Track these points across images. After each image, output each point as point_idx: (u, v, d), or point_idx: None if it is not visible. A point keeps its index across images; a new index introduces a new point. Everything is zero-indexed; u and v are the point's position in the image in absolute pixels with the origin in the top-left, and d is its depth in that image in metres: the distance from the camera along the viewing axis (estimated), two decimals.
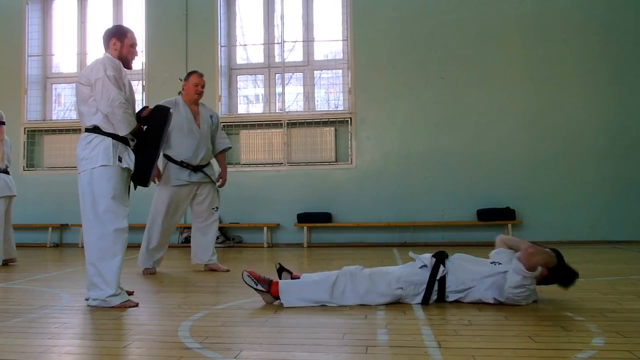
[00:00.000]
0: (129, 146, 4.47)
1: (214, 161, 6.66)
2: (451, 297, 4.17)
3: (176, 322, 3.67)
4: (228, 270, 6.33)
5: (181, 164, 6.27)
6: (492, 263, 4.24)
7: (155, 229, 6.32)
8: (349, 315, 3.87)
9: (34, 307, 4.35)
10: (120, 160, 4.35)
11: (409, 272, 4.21)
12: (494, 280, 4.08)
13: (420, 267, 4.22)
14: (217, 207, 6.53)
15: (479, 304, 4.10)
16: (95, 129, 4.35)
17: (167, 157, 6.34)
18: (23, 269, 6.92)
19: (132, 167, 4.46)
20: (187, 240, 8.97)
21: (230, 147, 6.77)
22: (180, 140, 6.28)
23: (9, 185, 7.43)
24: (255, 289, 4.23)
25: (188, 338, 3.23)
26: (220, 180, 6.62)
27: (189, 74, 6.48)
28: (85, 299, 4.32)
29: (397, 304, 4.14)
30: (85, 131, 4.41)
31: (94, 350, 3.14)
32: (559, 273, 4.12)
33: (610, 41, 9.67)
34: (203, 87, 6.45)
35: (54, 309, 4.26)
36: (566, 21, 9.78)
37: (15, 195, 7.54)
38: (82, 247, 9.64)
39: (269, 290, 4.19)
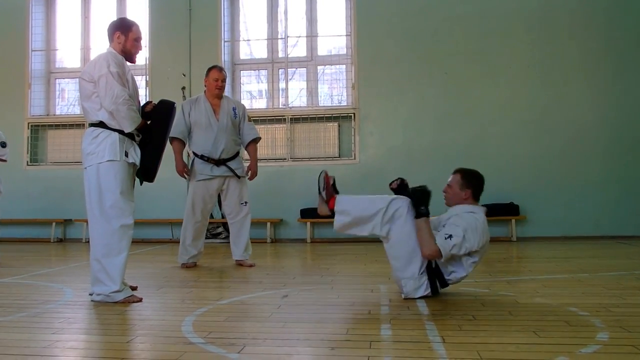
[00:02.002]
0: (135, 141, 4.46)
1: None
2: (452, 277, 4.19)
3: (180, 317, 3.67)
4: (252, 265, 6.33)
5: (202, 158, 6.32)
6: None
7: (188, 224, 6.39)
8: (353, 310, 3.87)
9: (38, 302, 4.36)
10: (126, 155, 4.34)
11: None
12: None
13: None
14: (245, 202, 6.50)
15: (483, 298, 4.09)
16: (101, 124, 4.32)
17: (194, 153, 6.42)
18: (27, 264, 6.92)
19: (138, 162, 4.44)
20: None
21: (259, 138, 6.71)
22: (200, 135, 6.35)
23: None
24: (319, 193, 4.26)
25: (191, 333, 3.23)
26: (250, 172, 6.58)
27: (209, 69, 6.51)
28: (89, 294, 4.32)
29: (400, 301, 4.13)
30: (91, 126, 4.39)
31: (98, 345, 3.15)
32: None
33: (615, 36, 9.63)
34: (224, 81, 6.46)
35: (57, 304, 4.26)
36: (571, 16, 9.74)
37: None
38: (86, 242, 9.67)
39: (328, 201, 4.20)
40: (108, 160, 4.25)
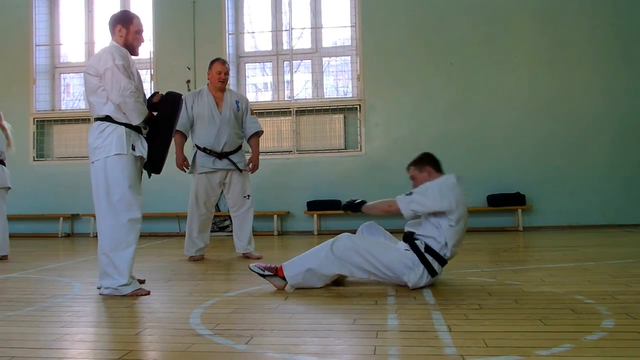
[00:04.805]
0: (141, 134, 4.47)
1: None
2: (448, 254, 4.23)
3: (187, 309, 3.69)
4: (260, 258, 6.35)
5: (204, 150, 6.34)
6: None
7: (193, 217, 6.42)
8: (359, 300, 3.88)
9: (47, 296, 4.38)
10: (133, 148, 4.33)
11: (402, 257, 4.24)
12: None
13: (406, 250, 4.27)
14: (248, 195, 6.53)
15: (489, 287, 4.11)
16: (107, 118, 4.31)
17: (196, 146, 6.43)
18: (35, 259, 6.96)
19: (145, 155, 4.43)
20: None
21: (261, 131, 6.70)
22: (202, 128, 6.36)
23: (7, 176, 7.21)
24: (263, 275, 4.29)
25: (199, 325, 3.25)
26: (251, 164, 6.58)
27: (212, 62, 6.51)
28: (98, 288, 4.34)
29: (406, 291, 4.15)
30: (97, 120, 4.37)
31: (107, 338, 3.17)
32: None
33: (622, 24, 9.60)
34: (226, 74, 6.46)
35: (66, 297, 4.29)
36: (577, 4, 9.71)
37: (10, 188, 7.29)
38: (94, 236, 9.70)
39: (276, 274, 4.25)
40: (115, 154, 4.24)
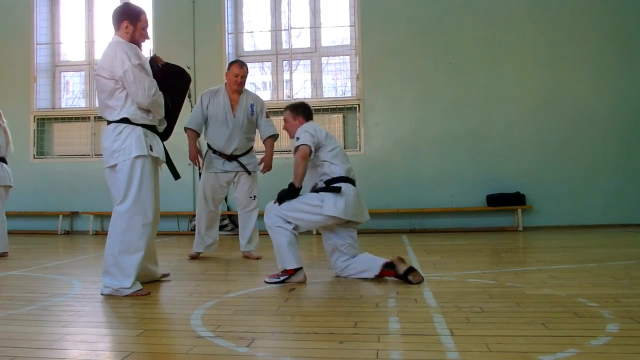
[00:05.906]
0: (156, 132, 4.43)
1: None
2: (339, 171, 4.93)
3: (188, 310, 3.67)
4: (259, 258, 6.36)
5: (215, 152, 6.41)
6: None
7: (201, 214, 6.51)
8: (360, 303, 3.87)
9: (47, 294, 4.37)
10: (151, 149, 4.29)
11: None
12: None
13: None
14: (254, 196, 6.56)
15: (491, 289, 4.10)
16: (124, 120, 4.24)
17: (208, 145, 6.53)
18: (35, 257, 6.95)
19: (162, 157, 4.42)
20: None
21: (276, 135, 6.74)
22: (215, 130, 6.41)
23: (8, 173, 7.17)
24: (281, 282, 4.65)
25: (200, 327, 3.23)
26: (263, 164, 6.60)
27: (231, 64, 6.54)
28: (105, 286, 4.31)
29: (407, 293, 4.14)
30: (112, 122, 4.28)
31: (108, 339, 3.16)
32: None
33: (621, 23, 9.58)
34: (244, 77, 6.45)
35: (66, 297, 4.28)
36: (576, 2, 9.70)
37: (11, 186, 7.25)
38: (93, 234, 9.69)
39: (289, 275, 4.66)
40: (136, 157, 4.20)
